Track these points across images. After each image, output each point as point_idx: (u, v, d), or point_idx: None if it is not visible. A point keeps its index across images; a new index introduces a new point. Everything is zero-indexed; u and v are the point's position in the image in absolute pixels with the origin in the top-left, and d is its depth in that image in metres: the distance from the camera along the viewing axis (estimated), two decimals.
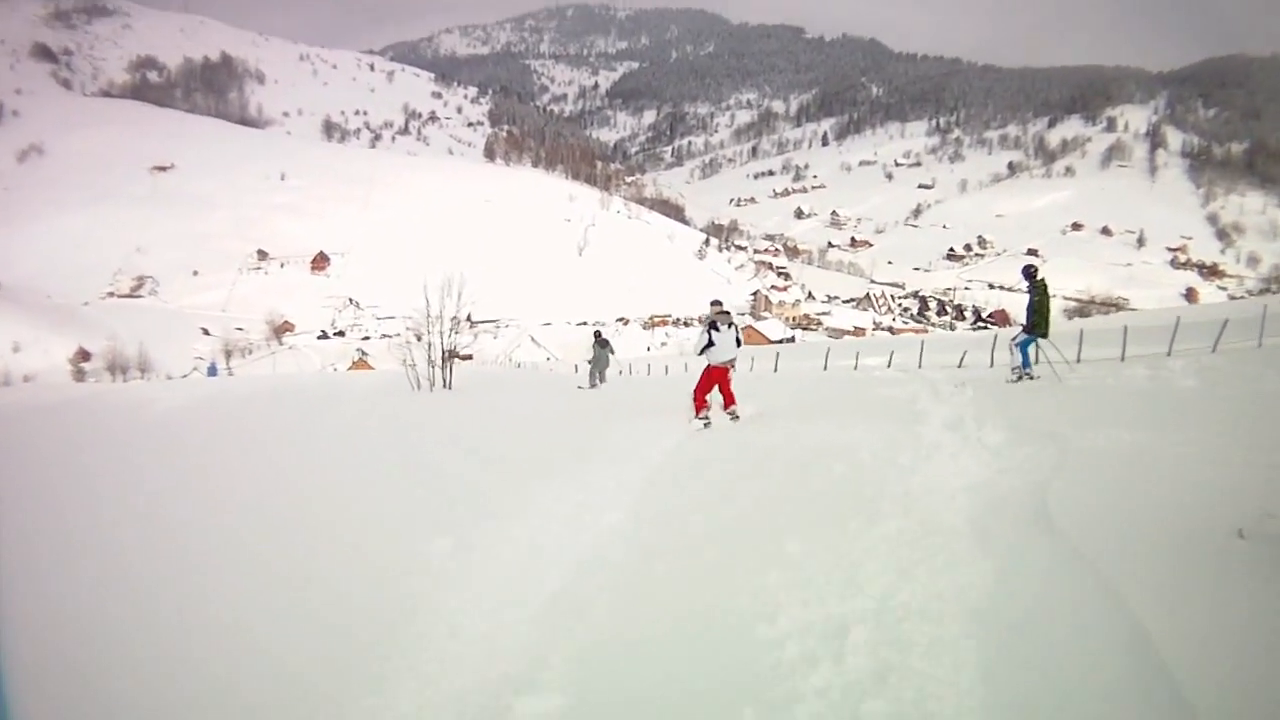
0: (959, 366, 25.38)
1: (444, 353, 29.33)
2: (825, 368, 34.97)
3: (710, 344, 15.61)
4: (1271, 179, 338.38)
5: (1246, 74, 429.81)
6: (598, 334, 33.42)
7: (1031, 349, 17.30)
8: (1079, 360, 20.48)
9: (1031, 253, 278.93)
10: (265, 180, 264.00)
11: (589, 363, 31.47)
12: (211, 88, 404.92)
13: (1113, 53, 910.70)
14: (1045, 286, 17.28)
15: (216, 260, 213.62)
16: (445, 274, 31.47)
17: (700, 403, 15.41)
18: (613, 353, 32.07)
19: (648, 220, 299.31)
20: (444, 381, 28.98)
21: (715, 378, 15.69)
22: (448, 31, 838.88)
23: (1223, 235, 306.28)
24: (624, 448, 12.84)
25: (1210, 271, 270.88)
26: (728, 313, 16.22)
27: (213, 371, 77.90)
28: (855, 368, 31.64)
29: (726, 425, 14.93)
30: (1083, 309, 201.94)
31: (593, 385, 29.23)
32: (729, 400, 15.79)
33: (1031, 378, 16.94)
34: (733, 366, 16.14)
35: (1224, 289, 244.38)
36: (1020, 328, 17.75)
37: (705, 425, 14.91)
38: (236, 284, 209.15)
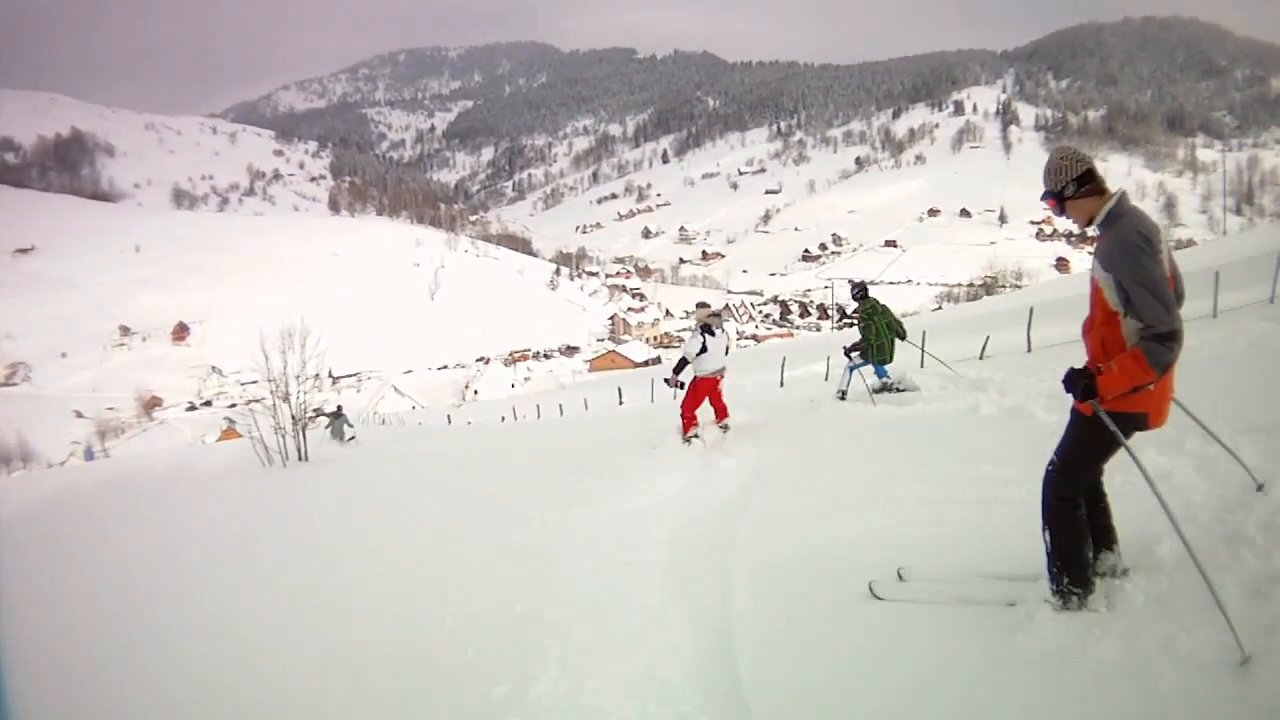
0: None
1: (295, 418, 25.82)
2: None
3: (704, 349, 14.17)
4: (1133, 140, 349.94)
5: (1098, 41, 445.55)
6: (339, 409, 36.58)
7: (861, 373, 16.09)
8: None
9: (889, 244, 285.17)
10: (121, 255, 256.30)
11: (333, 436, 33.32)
12: (65, 164, 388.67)
13: (955, 38, 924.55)
14: (876, 307, 15.92)
15: (83, 340, 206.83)
16: (284, 326, 27.53)
17: (690, 419, 14.48)
18: (349, 425, 34.71)
19: (496, 256, 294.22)
20: (299, 452, 25.35)
21: (705, 390, 14.57)
22: (285, 88, 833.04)
23: None
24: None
25: (1080, 239, 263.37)
26: (718, 314, 14.80)
27: (89, 455, 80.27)
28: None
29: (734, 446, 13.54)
30: (951, 294, 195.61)
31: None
32: (721, 413, 14.81)
33: (842, 397, 15.94)
34: (722, 376, 14.75)
35: (1094, 253, 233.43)
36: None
37: (694, 440, 14.18)
38: (104, 362, 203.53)
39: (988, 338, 22.44)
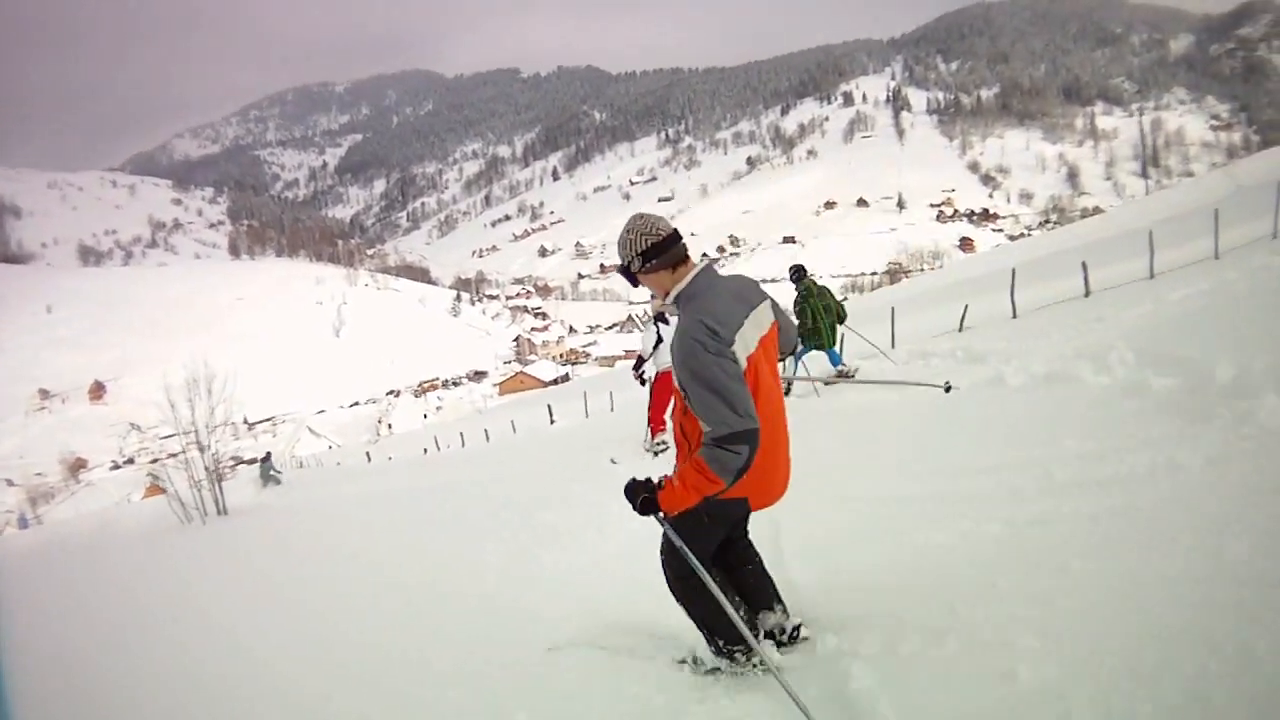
0: None
1: (209, 469, 23.99)
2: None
3: (659, 341, 12.93)
4: (1030, 115, 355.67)
5: (987, 20, 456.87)
6: (268, 454, 38.04)
7: (804, 362, 15.60)
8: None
9: (788, 240, 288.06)
10: (35, 317, 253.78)
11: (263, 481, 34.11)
12: None
13: (841, 29, 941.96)
14: (814, 289, 15.00)
15: (6, 407, 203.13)
16: (189, 374, 25.83)
17: (658, 421, 13.28)
18: (277, 471, 35.47)
19: (397, 288, 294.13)
20: (217, 505, 23.32)
21: (669, 387, 12.04)
22: (179, 136, 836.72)
23: (988, 180, 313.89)
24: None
25: (982, 217, 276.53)
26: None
27: (23, 524, 76.22)
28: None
29: None
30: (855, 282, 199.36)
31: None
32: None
33: (787, 390, 13.88)
34: None
35: (999, 230, 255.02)
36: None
37: (660, 448, 13.06)
38: (27, 428, 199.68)
39: (966, 307, 19.92)
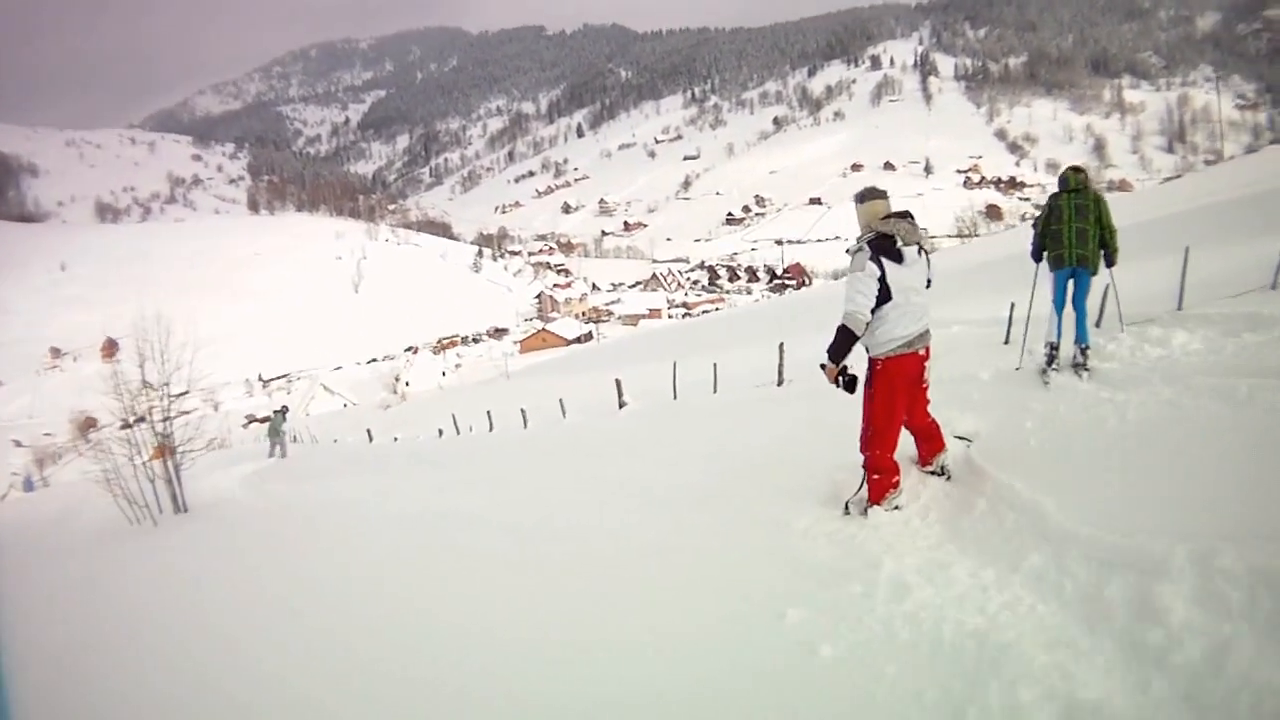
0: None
1: (162, 449, 19.31)
2: None
3: (885, 290, 6.62)
4: (1058, 85, 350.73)
5: None
6: (284, 409, 34.50)
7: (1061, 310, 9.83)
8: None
9: (814, 201, 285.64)
10: (49, 275, 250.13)
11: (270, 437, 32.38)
12: None
13: None
14: (1078, 200, 9.65)
15: (17, 366, 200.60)
16: (137, 324, 20.91)
17: (886, 463, 6.90)
18: (282, 432, 32.70)
19: (417, 243, 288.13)
20: (175, 501, 18.19)
21: (903, 389, 6.89)
22: (201, 93, 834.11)
23: (1015, 148, 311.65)
24: None
25: (1009, 185, 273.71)
26: (907, 215, 6.90)
27: (29, 486, 71.59)
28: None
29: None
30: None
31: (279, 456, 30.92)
32: (931, 438, 7.39)
33: (1052, 366, 9.57)
34: (926, 351, 7.05)
35: (1026, 199, 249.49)
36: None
37: (894, 509, 6.90)
38: (38, 387, 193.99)
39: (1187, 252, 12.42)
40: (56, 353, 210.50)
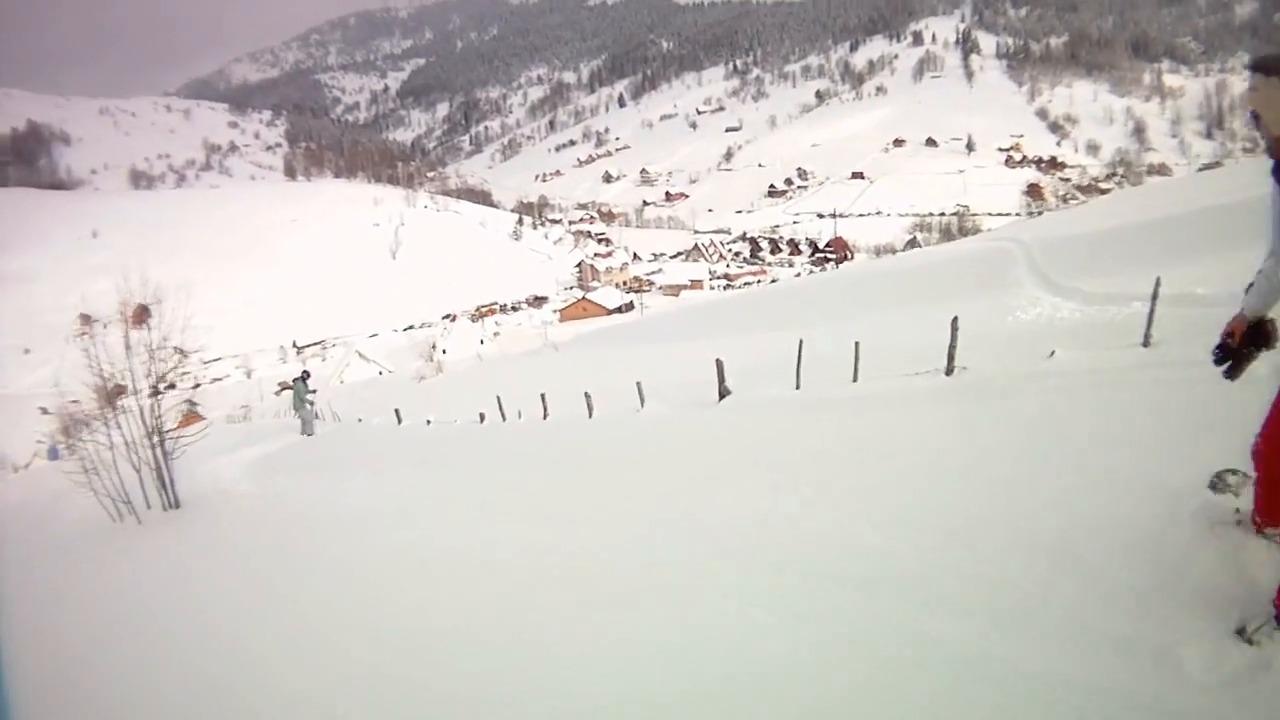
0: None
1: (151, 434, 16.34)
2: None
3: None
4: (1098, 66, 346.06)
5: None
6: (305, 374, 31.30)
7: None
8: None
9: (857, 176, 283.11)
10: (79, 242, 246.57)
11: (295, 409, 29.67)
12: (23, 158, 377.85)
13: None
14: None
15: (45, 334, 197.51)
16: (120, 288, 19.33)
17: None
18: (311, 391, 29.72)
19: (457, 210, 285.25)
20: (164, 497, 15.65)
21: None
22: (237, 61, 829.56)
23: (1055, 128, 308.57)
24: None
25: (1050, 165, 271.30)
26: None
27: (54, 454, 66.79)
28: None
29: None
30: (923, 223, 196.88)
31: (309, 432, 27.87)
32: None
33: None
34: None
35: (1067, 179, 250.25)
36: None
37: None
38: (66, 355, 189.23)
39: None
40: (87, 319, 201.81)
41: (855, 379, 14.64)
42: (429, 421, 26.06)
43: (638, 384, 18.43)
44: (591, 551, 7.72)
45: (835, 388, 14.59)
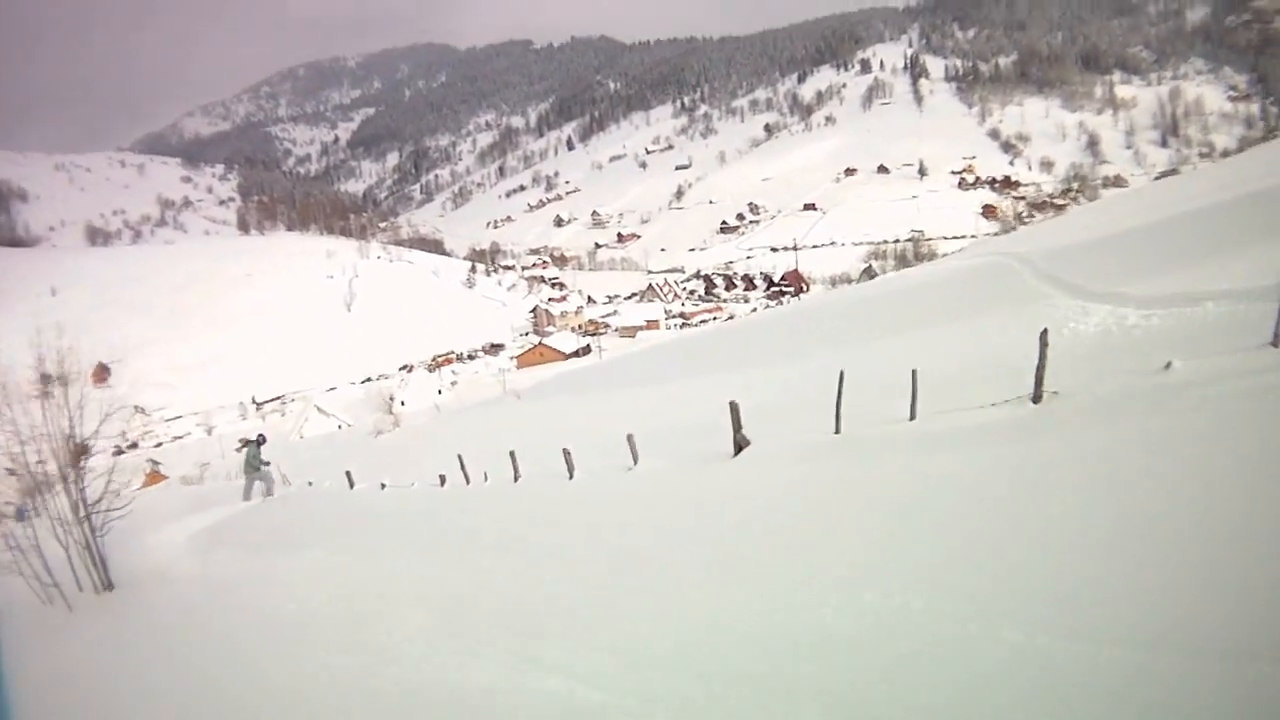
0: None
1: (77, 508, 14.86)
2: None
3: None
4: (1049, 82, 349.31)
5: None
6: (260, 438, 26.58)
7: None
8: None
9: (809, 207, 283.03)
10: (38, 300, 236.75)
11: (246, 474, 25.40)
12: None
13: None
14: None
15: (6, 394, 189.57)
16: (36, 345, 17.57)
17: None
18: (265, 463, 25.51)
19: (410, 260, 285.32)
20: (94, 578, 14.09)
21: None
22: (190, 115, 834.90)
23: (1008, 147, 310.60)
24: None
25: (1004, 184, 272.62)
26: None
27: (22, 515, 56.30)
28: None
29: None
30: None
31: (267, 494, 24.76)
32: None
33: None
34: None
35: (1022, 198, 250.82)
36: None
37: None
38: (27, 414, 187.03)
39: None
40: (46, 379, 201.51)
41: (913, 416, 12.16)
42: (384, 485, 23.44)
43: (629, 437, 15.51)
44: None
45: (885, 426, 12.12)
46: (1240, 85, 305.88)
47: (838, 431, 12.19)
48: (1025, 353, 11.92)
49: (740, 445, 13.02)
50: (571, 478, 15.75)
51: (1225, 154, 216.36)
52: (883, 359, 17.17)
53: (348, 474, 25.71)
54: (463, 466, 20.37)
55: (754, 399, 17.03)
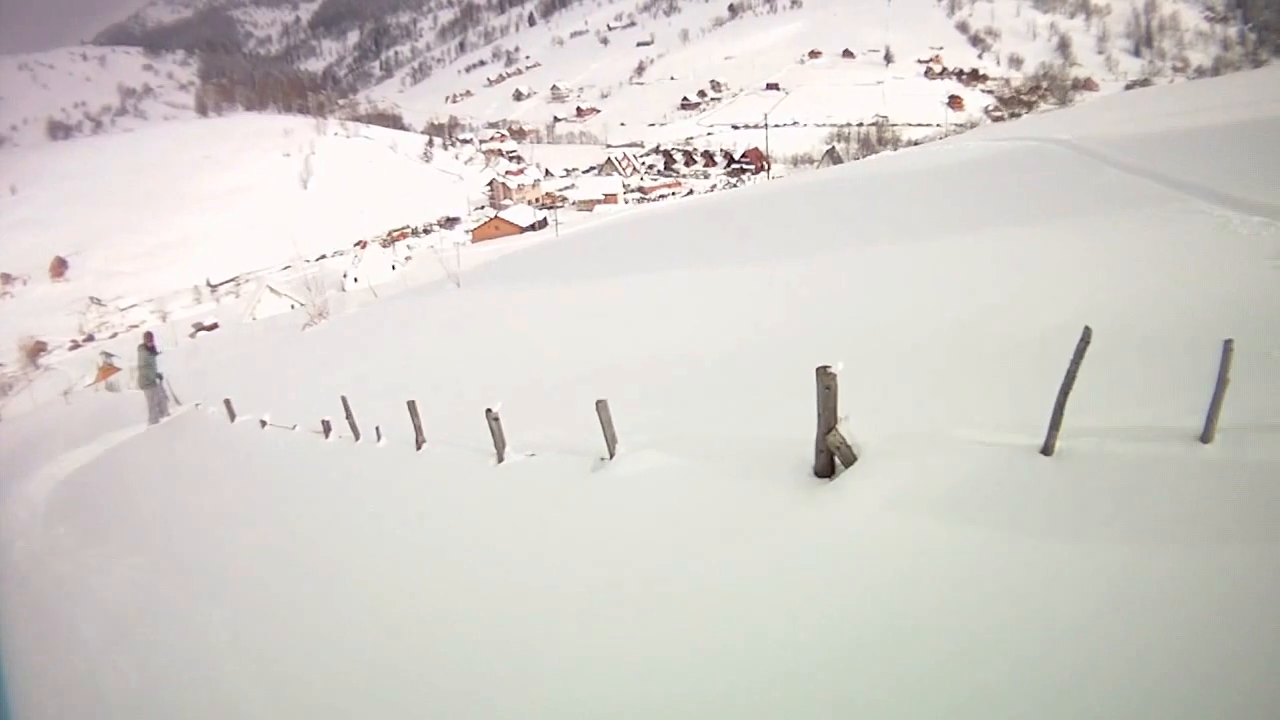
0: None
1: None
2: None
3: None
4: None
5: None
6: (148, 337, 22.58)
7: None
8: None
9: (771, 87, 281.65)
10: None
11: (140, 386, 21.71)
12: None
13: None
14: None
15: None
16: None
17: None
18: (158, 376, 21.65)
19: (368, 135, 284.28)
20: None
21: None
22: (151, 3, 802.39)
23: (977, 41, 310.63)
24: None
25: (971, 77, 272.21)
26: None
27: None
28: None
29: None
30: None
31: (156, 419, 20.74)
32: None
33: None
34: None
35: (989, 91, 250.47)
36: None
37: None
38: None
39: None
40: (7, 279, 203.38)
41: (1208, 436, 5.62)
42: (264, 423, 17.33)
43: (600, 410, 8.56)
44: None
45: (1151, 444, 5.78)
46: (1218, 6, 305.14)
47: (1047, 451, 5.98)
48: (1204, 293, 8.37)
49: (842, 460, 6.65)
50: (501, 460, 10.01)
51: (1200, 72, 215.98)
52: (984, 267, 11.84)
53: (227, 402, 19.22)
54: (350, 416, 13.85)
55: (803, 320, 12.46)
